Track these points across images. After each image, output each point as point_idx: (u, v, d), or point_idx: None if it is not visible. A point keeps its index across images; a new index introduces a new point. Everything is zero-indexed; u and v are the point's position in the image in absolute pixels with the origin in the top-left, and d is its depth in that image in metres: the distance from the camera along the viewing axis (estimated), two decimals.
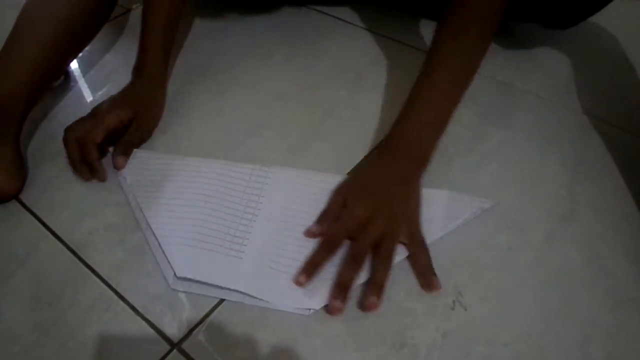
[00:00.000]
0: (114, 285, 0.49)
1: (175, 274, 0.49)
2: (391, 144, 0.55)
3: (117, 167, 0.57)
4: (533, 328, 0.46)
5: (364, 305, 0.46)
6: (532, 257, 0.51)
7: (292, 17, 0.83)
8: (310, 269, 0.48)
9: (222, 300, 0.48)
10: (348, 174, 0.58)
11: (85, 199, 0.56)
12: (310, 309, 0.47)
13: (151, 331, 0.46)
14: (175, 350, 0.45)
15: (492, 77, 0.72)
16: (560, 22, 0.74)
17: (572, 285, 0.49)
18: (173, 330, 0.46)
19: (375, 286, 0.47)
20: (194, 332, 0.46)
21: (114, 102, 0.60)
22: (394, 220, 0.50)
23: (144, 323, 0.47)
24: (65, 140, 0.57)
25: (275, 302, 0.48)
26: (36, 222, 0.55)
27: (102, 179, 0.58)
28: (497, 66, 0.73)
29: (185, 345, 0.45)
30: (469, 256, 0.51)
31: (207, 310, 0.47)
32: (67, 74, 0.73)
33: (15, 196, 0.57)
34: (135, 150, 0.60)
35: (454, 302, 0.48)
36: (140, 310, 0.47)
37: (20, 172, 0.57)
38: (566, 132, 0.64)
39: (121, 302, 0.48)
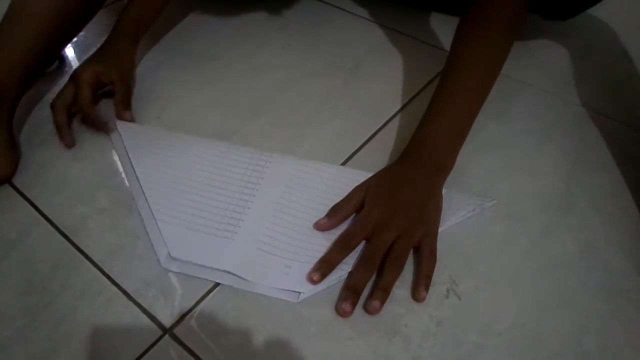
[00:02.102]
0: (106, 270, 0.49)
1: (169, 253, 0.49)
2: (411, 152, 0.54)
3: (126, 119, 0.61)
4: (527, 318, 0.46)
5: (366, 309, 0.46)
6: (527, 248, 0.51)
7: (291, 5, 0.83)
8: (324, 267, 0.47)
9: (214, 287, 0.48)
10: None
11: (78, 184, 0.56)
12: (299, 294, 0.47)
13: (143, 316, 0.46)
14: (167, 336, 0.44)
15: None
16: (560, 13, 0.74)
17: (567, 276, 0.49)
18: (165, 315, 0.46)
19: (381, 291, 0.46)
20: (186, 318, 0.46)
21: (86, 62, 0.62)
22: (411, 225, 0.49)
23: (136, 308, 0.46)
24: (54, 107, 0.60)
25: (264, 283, 0.47)
26: (28, 206, 0.54)
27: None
28: None
29: (177, 331, 0.45)
30: (465, 245, 0.51)
31: (199, 296, 0.47)
32: (62, 59, 0.72)
33: (7, 180, 0.56)
34: (141, 125, 0.62)
35: (448, 290, 0.48)
36: (132, 295, 0.47)
37: (13, 155, 0.57)
38: (564, 124, 0.64)
39: (113, 287, 0.48)
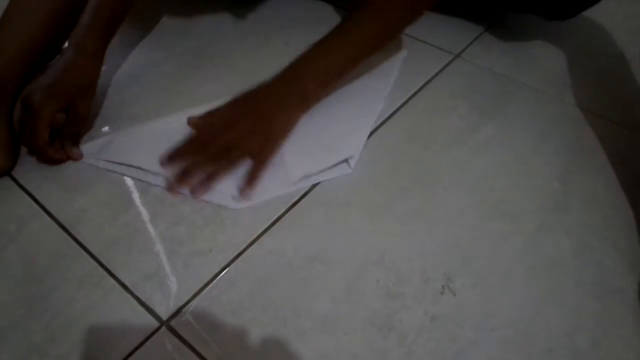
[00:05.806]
0: (104, 263, 0.49)
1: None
2: (281, 76, 0.58)
3: (75, 159, 0.58)
4: (521, 315, 0.47)
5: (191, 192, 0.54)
6: (522, 246, 0.52)
7: (291, 3, 0.83)
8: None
9: (211, 280, 0.48)
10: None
11: (77, 177, 0.56)
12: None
13: (140, 308, 0.46)
14: (163, 328, 0.45)
15: (488, 69, 0.72)
16: (559, 13, 0.74)
17: (561, 274, 0.50)
18: (162, 308, 0.46)
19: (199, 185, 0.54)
20: (183, 311, 0.46)
21: (45, 94, 0.55)
22: (249, 134, 0.54)
23: (133, 300, 0.47)
24: (21, 144, 0.59)
25: None
26: (28, 198, 0.54)
27: (75, 158, 0.58)
28: (494, 58, 0.73)
29: (174, 323, 0.45)
30: (460, 243, 0.52)
31: (196, 289, 0.48)
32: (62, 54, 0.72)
33: (7, 172, 0.57)
34: (94, 142, 0.60)
35: (443, 287, 0.48)
36: (130, 287, 0.47)
37: (13, 148, 0.57)
38: (560, 124, 0.65)
39: (111, 279, 0.48)
